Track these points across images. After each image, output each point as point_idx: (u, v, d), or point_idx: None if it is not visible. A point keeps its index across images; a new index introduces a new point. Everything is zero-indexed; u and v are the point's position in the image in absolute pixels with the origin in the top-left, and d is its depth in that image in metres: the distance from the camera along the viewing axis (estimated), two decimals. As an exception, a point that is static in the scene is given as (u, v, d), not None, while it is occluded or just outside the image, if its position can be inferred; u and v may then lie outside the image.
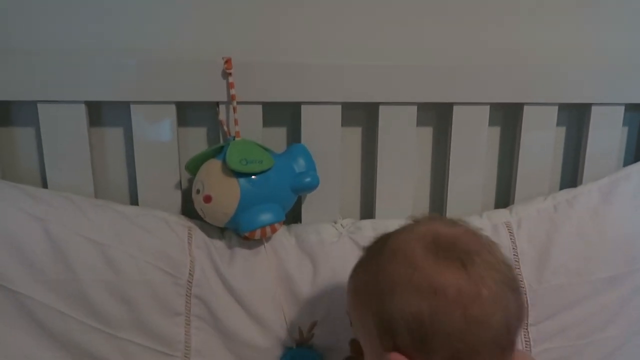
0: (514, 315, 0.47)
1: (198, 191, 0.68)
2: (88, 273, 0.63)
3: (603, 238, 0.73)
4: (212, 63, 0.69)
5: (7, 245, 0.62)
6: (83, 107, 0.71)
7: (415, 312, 0.44)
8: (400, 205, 0.78)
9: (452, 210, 0.79)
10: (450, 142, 0.78)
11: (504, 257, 0.49)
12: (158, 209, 0.72)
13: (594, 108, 0.79)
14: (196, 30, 0.74)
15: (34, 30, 0.71)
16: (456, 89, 0.75)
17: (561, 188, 0.83)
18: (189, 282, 0.66)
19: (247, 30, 0.74)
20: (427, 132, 0.81)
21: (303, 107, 0.73)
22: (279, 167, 0.68)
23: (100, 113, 0.75)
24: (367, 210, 0.82)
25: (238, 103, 0.69)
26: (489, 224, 0.73)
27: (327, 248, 0.70)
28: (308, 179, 0.70)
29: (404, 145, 0.76)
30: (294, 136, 0.77)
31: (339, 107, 0.74)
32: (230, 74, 0.69)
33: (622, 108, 0.80)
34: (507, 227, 0.73)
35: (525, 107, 0.78)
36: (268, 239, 0.70)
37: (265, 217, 0.66)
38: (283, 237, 0.71)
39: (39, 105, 0.70)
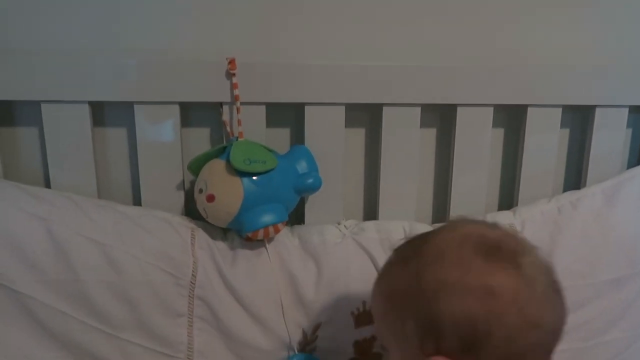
0: (561, 318, 0.47)
1: (201, 190, 0.67)
2: (90, 273, 0.63)
3: (607, 240, 0.73)
4: (215, 63, 0.69)
5: (9, 245, 0.62)
6: (86, 107, 0.70)
7: (468, 314, 0.44)
8: (403, 206, 0.78)
9: (456, 212, 0.79)
10: (453, 144, 0.77)
11: (545, 259, 0.48)
12: (161, 210, 0.72)
13: (598, 110, 0.79)
14: (200, 30, 0.74)
15: (37, 30, 0.71)
16: (460, 90, 0.75)
17: (565, 190, 0.83)
18: (192, 283, 0.66)
19: (251, 30, 0.74)
20: (431, 134, 0.81)
21: (307, 107, 0.73)
22: (282, 168, 0.68)
23: (103, 113, 0.75)
24: (370, 212, 0.82)
25: (241, 103, 0.69)
26: (493, 225, 0.73)
27: (331, 249, 0.70)
28: (310, 180, 0.70)
29: (407, 147, 0.76)
30: (298, 137, 0.77)
31: (343, 108, 0.74)
32: (234, 74, 0.69)
33: (626, 110, 0.80)
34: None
35: (529, 109, 0.77)
36: (270, 239, 0.70)
37: (269, 217, 0.66)
38: (286, 238, 0.71)
39: (42, 105, 0.70)
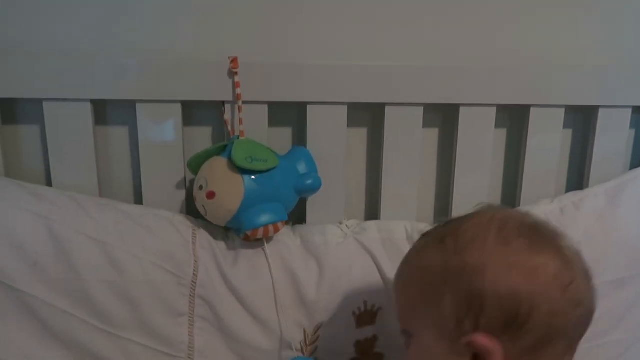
0: (594, 302, 0.48)
1: (201, 187, 0.67)
2: (91, 272, 0.63)
3: (609, 241, 0.72)
4: (217, 62, 0.69)
5: (10, 244, 0.62)
6: (88, 105, 0.70)
7: (513, 290, 0.44)
8: (405, 206, 0.78)
9: (458, 211, 0.78)
10: (456, 144, 0.77)
11: (576, 247, 0.49)
12: (162, 209, 0.72)
13: (601, 110, 0.78)
14: (202, 29, 0.73)
15: (39, 29, 0.71)
16: (462, 90, 0.74)
17: (567, 191, 0.82)
18: (193, 282, 0.66)
19: (253, 29, 0.74)
20: (433, 134, 0.81)
21: (309, 107, 0.73)
22: (282, 168, 0.68)
23: (105, 112, 0.74)
24: (372, 212, 0.81)
25: (244, 103, 0.69)
26: (495, 226, 0.73)
27: (332, 249, 0.70)
28: (310, 181, 0.70)
29: (409, 147, 0.76)
30: (300, 136, 0.77)
31: (345, 107, 0.73)
32: (236, 73, 0.68)
33: (629, 111, 0.79)
34: (512, 229, 0.72)
35: (532, 109, 0.77)
36: (269, 239, 0.69)
37: (268, 216, 0.66)
38: (288, 237, 0.71)
39: (44, 103, 0.70)
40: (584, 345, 0.70)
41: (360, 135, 0.79)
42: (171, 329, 0.65)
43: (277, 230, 0.68)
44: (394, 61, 0.74)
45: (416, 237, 0.70)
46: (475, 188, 0.79)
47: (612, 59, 0.80)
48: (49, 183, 0.73)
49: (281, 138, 0.77)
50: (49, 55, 0.69)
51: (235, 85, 0.69)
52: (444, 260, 0.48)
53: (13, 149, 0.74)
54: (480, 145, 0.77)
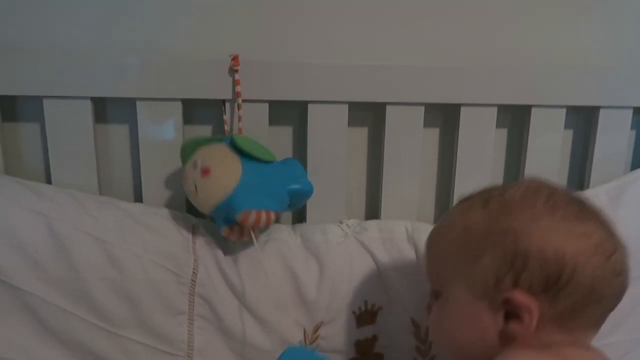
0: (628, 279, 0.49)
1: (195, 164, 0.64)
2: (91, 271, 0.63)
3: (611, 242, 0.72)
4: (218, 60, 0.69)
5: (10, 241, 0.62)
6: (89, 103, 0.70)
7: (559, 252, 0.45)
8: (405, 206, 0.77)
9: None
10: (457, 144, 0.77)
11: None
12: (162, 207, 0.72)
13: (602, 111, 0.78)
14: (203, 27, 0.73)
15: (40, 26, 0.71)
16: (463, 90, 0.74)
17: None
18: (193, 281, 0.66)
19: (254, 28, 0.74)
20: (434, 134, 0.81)
21: (309, 106, 0.73)
22: (277, 167, 0.68)
23: (105, 110, 0.74)
24: (373, 211, 0.81)
25: (244, 101, 0.69)
26: (496, 226, 0.73)
27: (333, 248, 0.70)
28: (303, 183, 0.69)
29: (410, 146, 0.76)
30: (300, 136, 0.77)
31: (346, 106, 0.73)
32: (236, 71, 0.68)
33: (631, 111, 0.79)
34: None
35: (533, 109, 0.77)
36: (259, 231, 0.67)
37: (263, 200, 0.63)
38: (288, 236, 0.71)
39: (44, 101, 0.70)
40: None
41: (361, 134, 0.79)
42: (171, 327, 0.65)
43: (268, 221, 0.64)
44: (395, 61, 0.74)
45: (416, 236, 0.71)
46: (476, 188, 0.78)
47: (614, 60, 0.80)
48: (48, 181, 0.73)
49: (281, 137, 0.77)
50: (49, 53, 0.69)
51: (235, 83, 0.69)
52: (488, 219, 0.49)
53: (13, 146, 0.74)
54: (481, 145, 0.77)
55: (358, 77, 0.72)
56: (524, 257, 0.46)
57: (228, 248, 0.69)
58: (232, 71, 0.69)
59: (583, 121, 0.83)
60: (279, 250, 0.69)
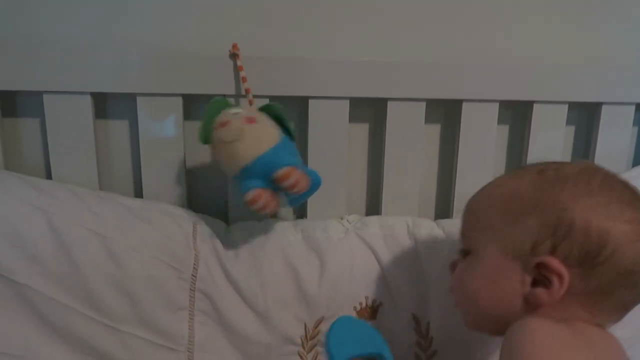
0: None
1: (236, 113, 0.61)
2: (91, 266, 0.63)
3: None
4: (219, 56, 0.69)
5: (10, 236, 0.62)
6: (89, 98, 0.70)
7: (603, 229, 0.46)
8: (406, 202, 0.77)
9: (460, 207, 0.77)
10: (458, 140, 0.77)
11: None
12: (163, 202, 0.72)
13: (604, 107, 0.78)
14: (204, 23, 0.73)
15: (40, 21, 0.71)
16: (465, 85, 0.74)
17: (570, 188, 0.82)
18: (193, 276, 0.66)
19: (255, 24, 0.74)
20: (435, 130, 0.80)
21: (310, 101, 0.73)
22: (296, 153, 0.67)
23: (105, 105, 0.74)
24: (373, 207, 0.81)
25: (243, 97, 0.69)
26: (497, 222, 0.72)
27: (334, 244, 0.70)
28: (315, 173, 0.67)
29: (411, 142, 0.76)
30: (301, 131, 0.76)
31: (347, 102, 0.73)
32: (237, 55, 0.68)
33: (633, 108, 0.79)
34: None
35: (535, 106, 0.77)
36: (283, 202, 0.63)
37: (305, 166, 0.62)
38: (289, 232, 0.71)
39: (44, 96, 0.69)
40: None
41: (362, 130, 0.79)
42: (171, 322, 0.65)
43: (304, 188, 0.60)
44: (397, 56, 0.74)
45: (417, 232, 0.71)
46: (477, 185, 0.76)
47: (616, 56, 0.80)
48: (48, 176, 0.73)
49: (282, 133, 0.77)
50: (49, 48, 0.69)
51: (242, 79, 0.68)
52: (541, 185, 0.50)
53: (13, 142, 0.74)
54: (482, 142, 0.77)
55: (359, 73, 0.72)
56: (567, 227, 0.46)
57: (228, 243, 0.69)
58: (234, 57, 0.68)
59: (585, 117, 0.82)
60: (280, 245, 0.69)
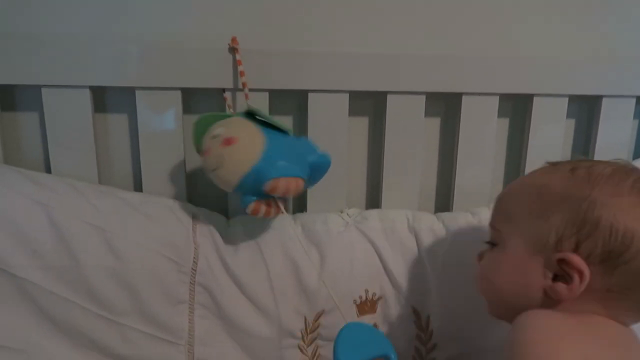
0: None
1: (215, 137, 0.61)
2: (91, 259, 0.63)
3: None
4: (218, 49, 0.69)
5: (10, 230, 0.62)
6: (87, 92, 0.70)
7: (628, 231, 0.46)
8: (406, 195, 0.77)
9: (459, 201, 0.78)
10: (458, 133, 0.77)
11: None
12: (163, 196, 0.71)
13: (604, 100, 0.78)
14: (203, 16, 0.73)
15: (38, 14, 0.70)
16: (465, 78, 0.74)
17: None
18: (193, 270, 0.66)
19: (254, 17, 0.73)
20: (435, 123, 0.80)
21: (310, 95, 0.72)
22: (294, 140, 0.65)
23: (104, 99, 0.74)
24: (373, 201, 0.81)
25: (241, 90, 0.68)
26: (497, 215, 0.72)
27: (334, 238, 0.70)
28: (320, 154, 0.66)
29: (411, 136, 0.75)
30: (301, 125, 0.76)
31: (347, 95, 0.73)
32: (236, 50, 0.67)
33: (633, 100, 0.79)
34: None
35: (535, 99, 0.77)
36: (287, 201, 0.63)
37: (290, 168, 0.60)
38: (289, 226, 0.71)
39: (42, 90, 0.69)
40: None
41: (362, 124, 0.79)
42: (171, 316, 0.65)
43: (298, 189, 0.61)
44: (396, 49, 0.74)
45: (417, 226, 0.71)
46: (477, 178, 0.78)
47: (616, 49, 0.79)
48: (48, 170, 0.72)
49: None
50: (48, 42, 0.69)
51: (240, 73, 0.68)
52: (571, 183, 0.50)
53: (12, 136, 0.74)
54: (482, 135, 0.77)
55: (359, 66, 0.71)
56: (593, 226, 0.47)
57: (228, 237, 0.69)
58: (233, 51, 0.68)
59: (585, 110, 0.82)
60: (279, 239, 0.69)
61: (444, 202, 0.82)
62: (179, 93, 0.71)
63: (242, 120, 0.64)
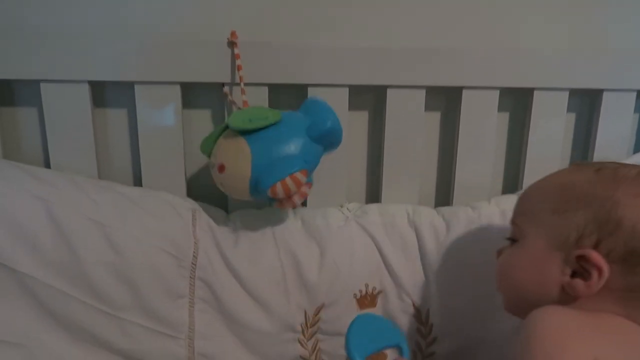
0: None
1: (213, 165, 0.65)
2: (90, 254, 0.63)
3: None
4: (217, 43, 0.68)
5: (10, 225, 0.62)
6: (86, 86, 0.70)
7: None
8: (406, 190, 0.77)
9: (460, 195, 0.78)
10: (458, 127, 0.76)
11: None
12: (162, 191, 0.71)
13: (605, 94, 0.78)
14: (202, 10, 0.72)
15: (36, 8, 0.70)
16: (465, 72, 0.74)
17: (570, 175, 0.82)
18: (193, 264, 0.66)
19: (253, 11, 0.73)
20: (435, 117, 0.80)
21: (310, 89, 0.72)
22: (290, 121, 0.64)
23: (104, 93, 0.74)
24: (373, 195, 0.81)
25: (244, 84, 0.68)
26: (497, 209, 0.72)
27: (334, 232, 0.70)
28: (328, 123, 0.64)
29: (411, 130, 0.75)
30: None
31: (346, 89, 0.73)
32: (235, 44, 0.67)
33: (634, 94, 0.78)
34: (515, 212, 0.72)
35: (535, 92, 0.76)
36: (295, 195, 0.63)
37: (282, 167, 0.61)
38: (289, 220, 0.70)
39: (41, 85, 0.69)
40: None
41: (362, 118, 0.79)
42: (171, 310, 0.65)
43: (299, 184, 0.61)
44: (396, 43, 0.73)
45: (417, 220, 0.71)
46: (478, 172, 0.78)
47: (617, 43, 0.79)
48: (47, 165, 0.72)
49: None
50: (46, 36, 0.68)
51: (237, 67, 0.67)
52: (596, 182, 0.50)
53: (11, 131, 0.74)
54: (482, 129, 0.77)
55: (358, 60, 0.71)
56: (615, 225, 0.47)
57: (228, 231, 0.69)
58: (232, 45, 0.67)
59: (586, 104, 0.82)
60: (280, 234, 0.69)
61: (444, 196, 0.82)
62: (178, 87, 0.71)
63: (228, 138, 0.64)
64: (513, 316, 0.68)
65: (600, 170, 0.52)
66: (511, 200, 0.74)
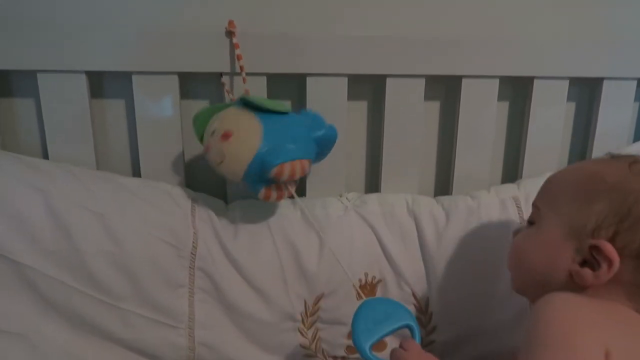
0: None
1: (213, 133, 0.62)
2: (90, 245, 0.63)
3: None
4: (215, 33, 0.68)
5: (8, 216, 0.61)
6: (84, 77, 0.69)
7: None
8: (406, 179, 0.77)
9: (459, 184, 0.78)
10: (458, 116, 0.76)
11: None
12: (161, 181, 0.71)
13: (605, 83, 0.77)
14: (199, 0, 0.72)
15: (33, -2, 0.70)
16: (465, 61, 0.73)
17: (570, 163, 0.82)
18: (192, 254, 0.66)
19: (251, 0, 0.72)
20: (435, 106, 0.80)
21: (308, 78, 0.72)
22: (295, 118, 0.65)
23: (101, 84, 0.73)
24: (373, 185, 0.81)
25: (238, 74, 0.68)
26: (497, 198, 0.72)
27: (334, 222, 0.70)
28: (326, 128, 0.65)
29: (411, 119, 0.75)
30: (299, 109, 0.76)
31: (345, 79, 0.72)
32: (233, 33, 0.67)
33: (634, 83, 0.78)
34: (515, 201, 0.72)
35: (535, 81, 0.76)
36: (295, 184, 0.64)
37: (293, 151, 0.60)
38: (288, 210, 0.70)
39: (38, 75, 0.69)
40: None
41: (361, 107, 0.78)
42: (171, 300, 0.65)
43: (303, 170, 0.61)
44: (395, 32, 0.73)
45: (417, 210, 0.71)
46: (477, 161, 0.78)
47: (617, 31, 0.79)
48: (45, 156, 0.72)
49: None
50: (43, 26, 0.68)
51: (237, 57, 0.67)
52: (625, 176, 0.50)
53: (8, 122, 0.73)
54: (482, 118, 0.76)
55: (357, 49, 0.71)
56: (634, 220, 0.47)
57: (227, 222, 0.69)
58: (230, 34, 0.67)
59: (586, 93, 0.82)
60: (279, 223, 0.69)
61: (443, 185, 0.82)
62: (175, 77, 0.70)
63: (236, 110, 0.63)
64: (512, 306, 0.68)
65: (634, 163, 0.51)
66: (511, 189, 0.74)
